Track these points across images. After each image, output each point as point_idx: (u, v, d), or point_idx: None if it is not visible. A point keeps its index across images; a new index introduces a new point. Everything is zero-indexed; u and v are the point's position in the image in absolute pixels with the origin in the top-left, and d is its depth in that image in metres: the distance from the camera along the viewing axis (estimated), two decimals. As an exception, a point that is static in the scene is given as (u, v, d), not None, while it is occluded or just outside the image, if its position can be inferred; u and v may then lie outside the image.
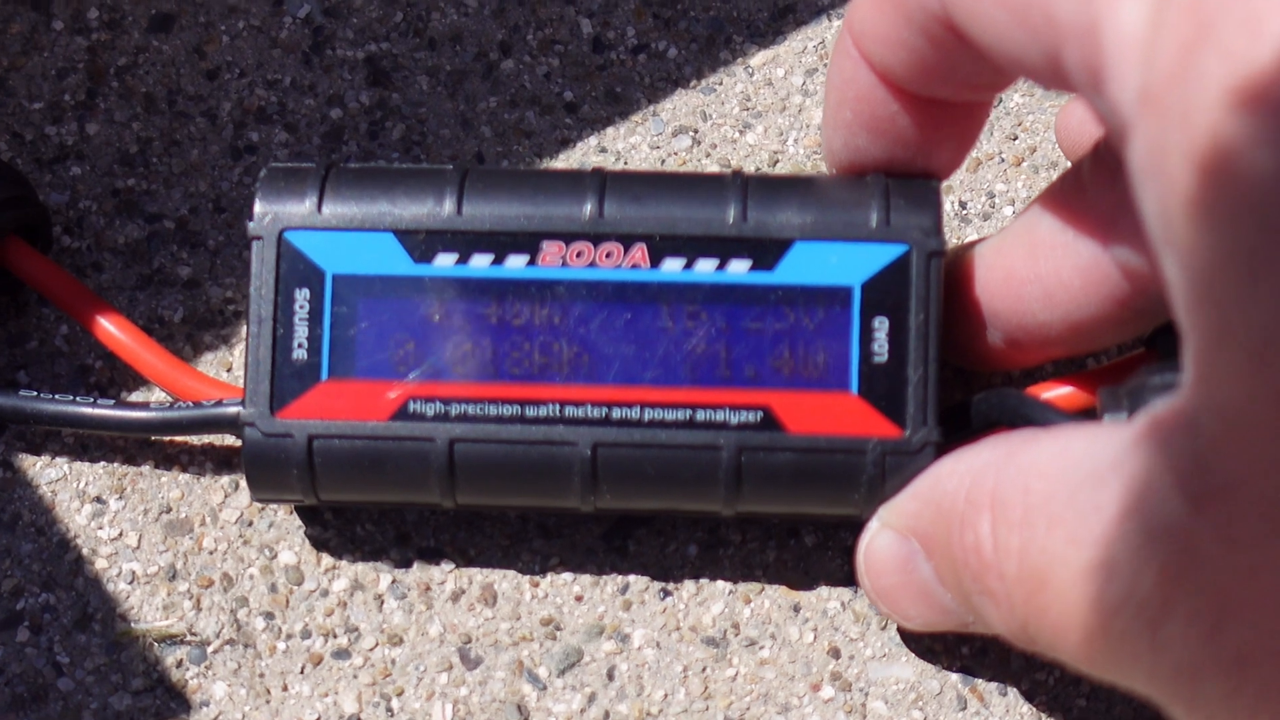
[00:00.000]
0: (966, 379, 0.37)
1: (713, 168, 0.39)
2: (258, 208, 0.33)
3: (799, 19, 0.40)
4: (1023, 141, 0.39)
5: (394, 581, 0.35)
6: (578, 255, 0.33)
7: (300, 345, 0.33)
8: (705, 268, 0.33)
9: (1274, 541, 0.23)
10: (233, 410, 0.33)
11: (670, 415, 0.32)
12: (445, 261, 0.33)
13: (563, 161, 0.39)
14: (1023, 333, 0.34)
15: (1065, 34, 0.26)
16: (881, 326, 0.32)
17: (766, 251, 0.33)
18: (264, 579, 0.35)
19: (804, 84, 0.40)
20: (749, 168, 0.39)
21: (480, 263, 0.33)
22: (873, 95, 0.32)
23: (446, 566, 0.35)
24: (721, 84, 0.40)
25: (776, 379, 0.32)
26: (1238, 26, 0.22)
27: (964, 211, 0.38)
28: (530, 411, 0.32)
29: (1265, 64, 0.22)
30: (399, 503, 0.34)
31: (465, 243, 0.33)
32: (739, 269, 0.33)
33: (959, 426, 0.33)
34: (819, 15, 0.40)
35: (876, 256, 0.33)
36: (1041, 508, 0.28)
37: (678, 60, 0.40)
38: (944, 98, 0.32)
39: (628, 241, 0.33)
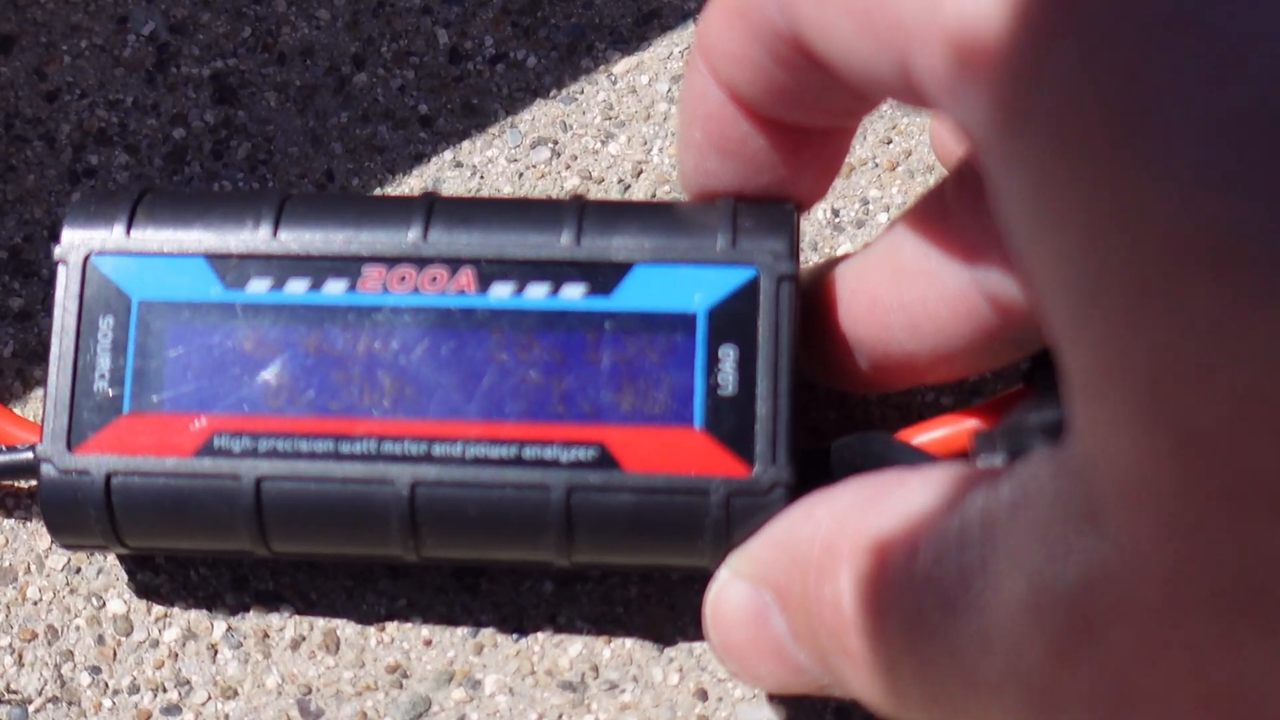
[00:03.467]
0: (845, 409, 0.32)
1: (573, 180, 0.34)
2: (65, 232, 0.28)
3: (664, 24, 0.35)
4: (897, 146, 0.34)
5: (229, 629, 0.30)
6: (400, 280, 0.28)
7: (102, 376, 0.28)
8: (537, 293, 0.27)
9: (1179, 620, 0.18)
10: (28, 455, 0.28)
11: (496, 452, 0.27)
12: (259, 287, 0.28)
13: (416, 177, 0.34)
14: (889, 361, 0.28)
15: (913, 39, 0.21)
16: (728, 356, 0.27)
17: (603, 275, 0.27)
18: (91, 630, 0.30)
19: (669, 91, 0.35)
20: (611, 178, 0.34)
21: (296, 288, 0.28)
22: (722, 115, 0.27)
23: (286, 612, 0.31)
24: (583, 93, 0.35)
25: (613, 413, 0.27)
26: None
27: (837, 220, 0.34)
28: (345, 448, 0.27)
29: None
30: (211, 551, 0.29)
31: (281, 267, 0.28)
32: (573, 294, 0.27)
33: (819, 473, 0.28)
34: (684, 20, 0.35)
35: (723, 281, 0.27)
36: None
37: (537, 69, 0.35)
38: (798, 122, 0.27)
39: (454, 265, 0.28)
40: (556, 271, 0.28)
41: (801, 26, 0.24)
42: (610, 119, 0.34)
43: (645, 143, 0.34)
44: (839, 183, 0.34)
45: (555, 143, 0.34)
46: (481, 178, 0.34)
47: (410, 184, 0.34)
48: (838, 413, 0.32)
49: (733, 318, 0.27)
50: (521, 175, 0.34)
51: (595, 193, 0.34)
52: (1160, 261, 0.17)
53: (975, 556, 0.21)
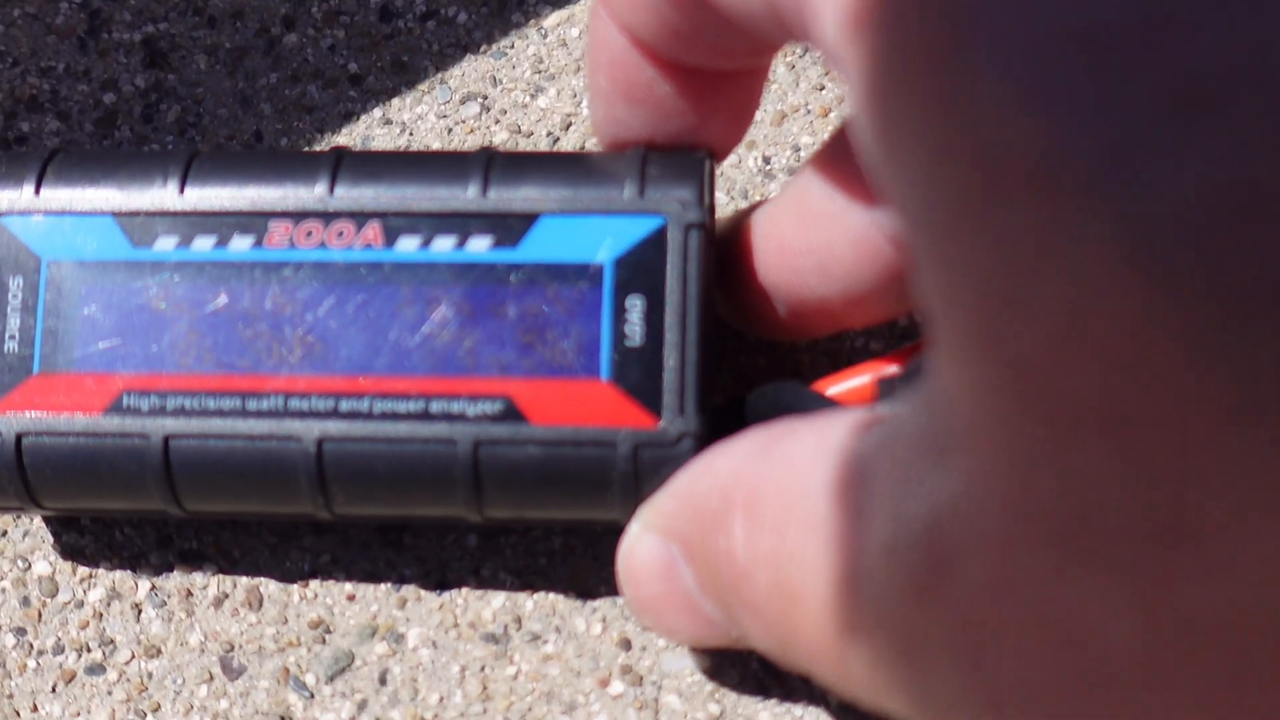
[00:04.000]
0: (775, 357, 0.31)
1: (502, 134, 0.33)
2: None
3: (595, -25, 0.35)
4: (830, 91, 0.34)
5: (153, 588, 0.30)
6: (307, 235, 0.27)
7: (11, 336, 0.27)
8: (443, 246, 0.27)
9: (1019, 554, 0.17)
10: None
11: (403, 407, 0.26)
12: (166, 245, 0.27)
13: (345, 135, 0.34)
14: (804, 306, 0.28)
15: None
16: (635, 307, 0.26)
17: (509, 227, 0.27)
18: (16, 592, 0.30)
19: (600, 43, 0.34)
20: (540, 132, 0.33)
21: (203, 245, 0.27)
22: (626, 60, 0.26)
23: (209, 570, 0.30)
24: (513, 47, 0.34)
25: (520, 366, 0.26)
26: None
27: (768, 168, 0.33)
28: (252, 404, 0.27)
29: None
30: (127, 510, 0.28)
31: (187, 225, 0.27)
32: (479, 246, 0.27)
33: (736, 424, 0.27)
34: (615, -30, 0.35)
35: (630, 230, 0.27)
36: (795, 507, 0.22)
37: (468, 25, 0.34)
38: (702, 65, 0.26)
39: (361, 220, 0.27)
40: (463, 224, 0.27)
41: None
42: (540, 72, 0.34)
43: (575, 95, 0.34)
44: (771, 130, 0.33)
45: (485, 97, 0.34)
46: (411, 134, 0.34)
47: (339, 143, 0.33)
48: (767, 360, 0.31)
49: (640, 268, 0.27)
50: (451, 131, 0.34)
51: (525, 147, 0.33)
52: (981, 183, 0.16)
53: (852, 498, 0.21)
